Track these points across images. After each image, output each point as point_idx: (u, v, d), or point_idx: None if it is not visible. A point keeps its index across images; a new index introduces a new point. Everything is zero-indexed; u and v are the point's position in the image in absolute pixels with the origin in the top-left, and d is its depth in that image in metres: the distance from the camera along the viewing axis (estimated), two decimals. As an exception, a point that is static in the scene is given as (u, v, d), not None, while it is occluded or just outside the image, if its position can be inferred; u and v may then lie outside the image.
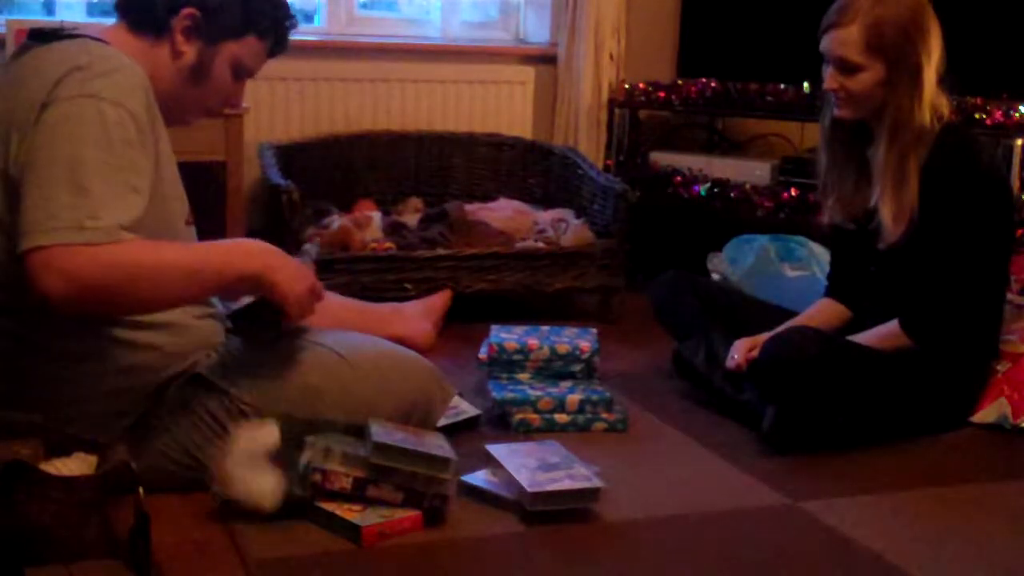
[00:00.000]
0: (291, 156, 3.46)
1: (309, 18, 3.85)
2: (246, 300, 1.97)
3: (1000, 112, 3.09)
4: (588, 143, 3.95)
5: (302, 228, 3.12)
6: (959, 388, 2.57)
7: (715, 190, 3.60)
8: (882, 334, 2.48)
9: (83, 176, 1.70)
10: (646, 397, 2.70)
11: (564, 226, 3.44)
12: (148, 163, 1.81)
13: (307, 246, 2.05)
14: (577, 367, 2.58)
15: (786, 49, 3.54)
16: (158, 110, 1.88)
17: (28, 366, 1.87)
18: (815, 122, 2.73)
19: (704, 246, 3.50)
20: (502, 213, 3.49)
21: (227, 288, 1.92)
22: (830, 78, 2.48)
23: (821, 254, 3.11)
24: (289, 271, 1.89)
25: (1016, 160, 3.06)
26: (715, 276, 3.35)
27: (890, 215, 2.44)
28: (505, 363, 2.58)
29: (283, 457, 1.88)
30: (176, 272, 1.79)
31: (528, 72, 3.99)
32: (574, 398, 2.47)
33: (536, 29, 4.07)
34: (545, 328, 2.69)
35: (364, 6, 3.95)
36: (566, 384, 2.54)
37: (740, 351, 2.56)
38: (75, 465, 1.74)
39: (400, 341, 2.41)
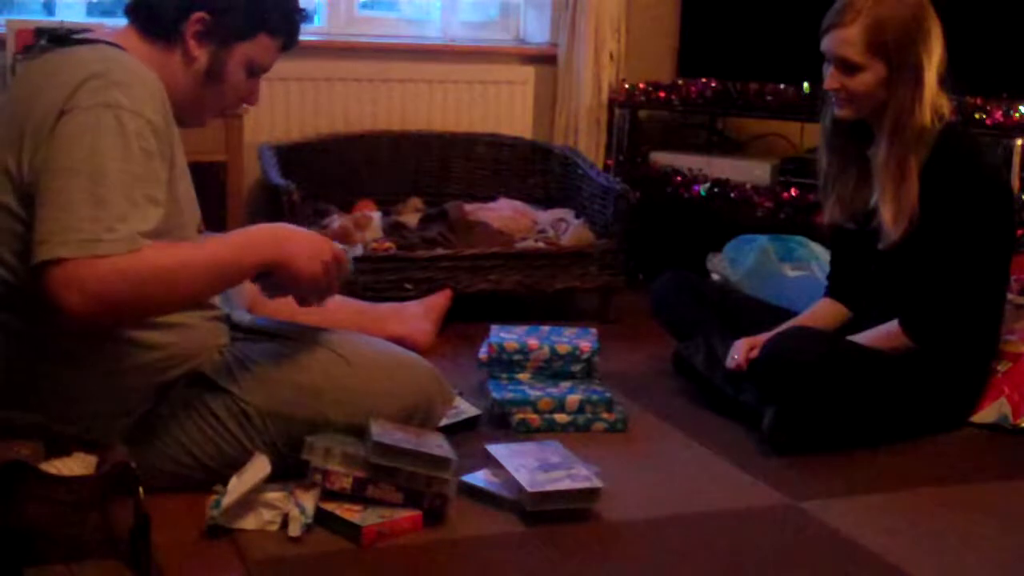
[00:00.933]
0: (291, 156, 3.45)
1: (309, 18, 3.85)
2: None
3: (1000, 112, 3.09)
4: (588, 143, 3.94)
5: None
6: (959, 388, 2.57)
7: (715, 190, 3.60)
8: (882, 334, 2.48)
9: (103, 187, 1.69)
10: (646, 397, 2.70)
11: (564, 226, 3.44)
12: (165, 172, 1.81)
13: (349, 249, 2.07)
14: (577, 367, 2.58)
15: (786, 49, 3.53)
16: (172, 116, 1.87)
17: (32, 365, 1.87)
18: (815, 122, 2.73)
19: (704, 246, 3.50)
20: (502, 213, 3.49)
21: (246, 278, 1.94)
22: (831, 78, 2.48)
23: (821, 254, 3.11)
24: (303, 256, 1.90)
25: (1016, 160, 3.06)
26: (715, 276, 3.35)
27: (890, 215, 2.44)
28: (505, 363, 2.58)
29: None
30: (197, 270, 1.80)
31: (528, 72, 3.98)
32: (574, 398, 2.46)
33: (536, 29, 4.06)
34: (545, 328, 2.69)
35: (364, 6, 3.95)
36: (566, 384, 2.54)
37: (740, 351, 2.55)
38: (75, 465, 1.74)
39: (400, 341, 2.42)
